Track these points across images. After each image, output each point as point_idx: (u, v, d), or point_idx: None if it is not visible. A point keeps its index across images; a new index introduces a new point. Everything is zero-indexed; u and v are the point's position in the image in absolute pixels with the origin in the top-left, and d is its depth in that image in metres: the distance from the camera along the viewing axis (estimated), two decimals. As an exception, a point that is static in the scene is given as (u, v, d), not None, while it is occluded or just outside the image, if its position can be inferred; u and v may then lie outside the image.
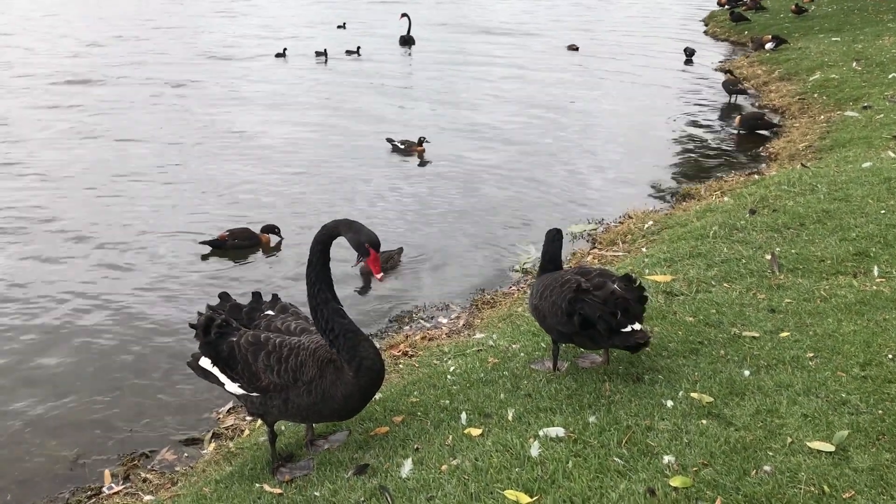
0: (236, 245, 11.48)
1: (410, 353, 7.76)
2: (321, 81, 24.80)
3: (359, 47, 29.69)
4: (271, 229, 11.78)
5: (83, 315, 9.59)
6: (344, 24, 37.82)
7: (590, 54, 30.69)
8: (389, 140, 16.56)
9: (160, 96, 21.90)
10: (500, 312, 8.47)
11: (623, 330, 5.36)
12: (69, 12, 42.34)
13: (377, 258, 5.00)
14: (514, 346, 6.83)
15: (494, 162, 15.88)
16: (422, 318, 9.26)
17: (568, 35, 34.84)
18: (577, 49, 31.38)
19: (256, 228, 11.75)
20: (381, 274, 5.07)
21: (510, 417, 5.40)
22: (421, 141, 16.29)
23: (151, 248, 11.54)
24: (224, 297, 5.65)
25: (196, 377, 7.59)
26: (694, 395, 5.31)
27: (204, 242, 11.41)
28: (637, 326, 5.40)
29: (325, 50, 29.04)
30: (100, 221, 12.45)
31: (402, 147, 16.31)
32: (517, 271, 10.52)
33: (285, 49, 29.04)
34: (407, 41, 32.81)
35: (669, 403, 5.24)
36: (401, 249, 11.04)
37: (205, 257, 11.40)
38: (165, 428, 7.30)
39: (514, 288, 9.88)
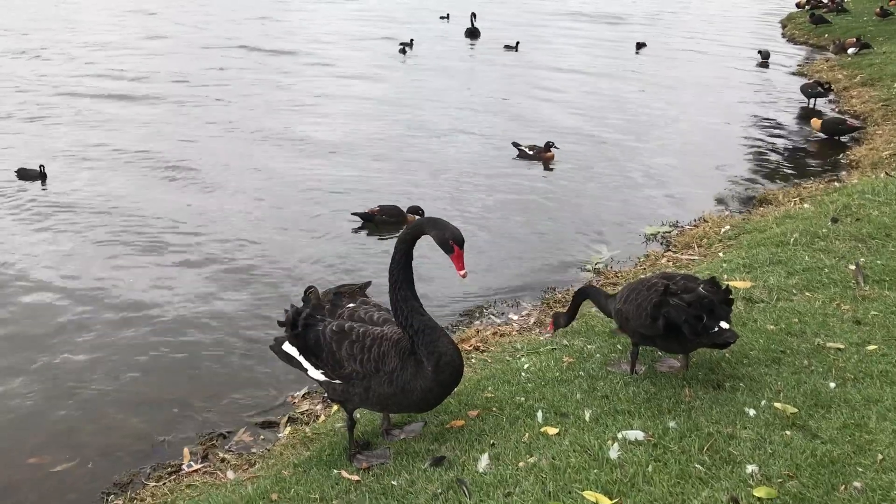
0: (384, 220, 12.18)
1: (482, 347, 7.78)
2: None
3: (412, 40, 29.68)
4: (416, 210, 12.30)
5: (167, 293, 9.95)
6: (447, 15, 38.45)
7: (659, 52, 30.28)
8: (516, 144, 16.09)
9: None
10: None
11: (711, 330, 5.31)
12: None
13: (461, 255, 5.04)
14: (589, 346, 6.80)
15: (565, 160, 15.78)
16: (492, 314, 9.27)
17: (637, 31, 34.44)
18: (644, 46, 31.01)
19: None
20: (464, 271, 5.09)
21: (587, 418, 5.39)
22: (549, 146, 15.75)
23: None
24: (309, 292, 5.76)
25: (272, 361, 7.87)
26: (777, 405, 5.22)
27: (355, 213, 12.24)
28: (725, 325, 5.34)
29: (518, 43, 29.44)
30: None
31: (531, 152, 15.76)
32: (588, 270, 10.45)
33: (517, 42, 29.56)
34: (472, 33, 33.57)
35: (752, 412, 5.17)
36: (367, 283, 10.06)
37: (356, 230, 12.24)
38: (241, 410, 7.47)
39: (585, 287, 9.81)
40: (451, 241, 4.99)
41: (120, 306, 9.56)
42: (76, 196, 13.40)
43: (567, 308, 6.80)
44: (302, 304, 5.60)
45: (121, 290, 10.01)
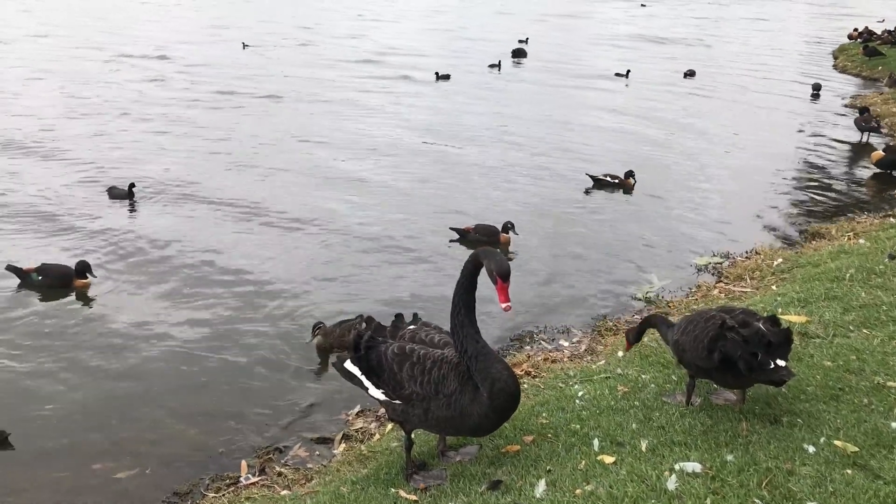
0: (477, 239, 12.51)
1: (533, 373, 7.84)
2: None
3: (444, 75, 29.98)
4: (508, 227, 12.57)
5: (228, 308, 10.25)
6: (527, 39, 39.43)
7: (708, 81, 30.20)
8: (592, 176, 16.14)
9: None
10: (624, 340, 8.43)
11: (767, 367, 5.31)
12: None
13: (503, 288, 5.05)
14: (643, 376, 6.82)
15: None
16: (542, 340, 9.33)
17: (685, 59, 34.41)
18: (693, 75, 30.95)
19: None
20: (506, 304, 5.10)
21: (644, 448, 5.41)
22: (629, 175, 15.83)
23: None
24: (369, 320, 5.90)
25: (327, 378, 8.03)
26: (837, 442, 5.20)
27: (453, 228, 12.71)
28: (781, 363, 5.34)
29: (629, 71, 30.03)
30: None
31: (613, 181, 15.84)
32: (639, 299, 10.46)
33: (628, 71, 30.07)
34: (519, 53, 34.81)
35: (811, 449, 5.15)
36: (360, 318, 9.42)
37: (451, 242, 12.71)
38: (297, 425, 7.63)
39: (637, 316, 9.83)
40: (495, 273, 5.05)
41: (183, 321, 9.85)
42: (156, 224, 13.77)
43: (636, 329, 6.87)
44: (364, 324, 5.73)
45: (183, 305, 10.31)
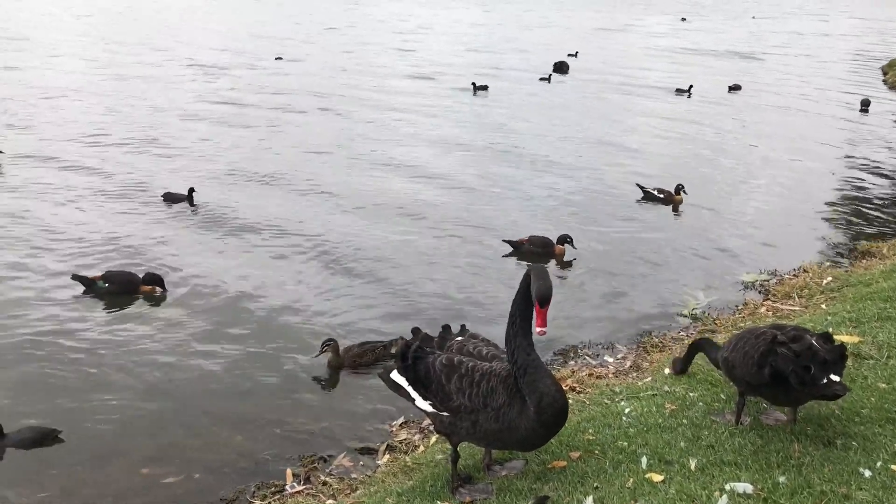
0: (531, 250, 12.49)
1: (578, 388, 7.79)
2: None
3: (482, 86, 29.93)
4: (564, 240, 12.56)
5: (278, 317, 10.35)
6: (576, 52, 40.00)
7: (754, 95, 29.88)
8: (641, 187, 15.99)
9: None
10: (670, 357, 8.33)
11: (820, 382, 5.21)
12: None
13: (540, 313, 5.02)
14: (691, 394, 6.74)
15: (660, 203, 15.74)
16: (587, 355, 9.26)
17: (731, 73, 34.11)
18: (738, 89, 30.63)
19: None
20: (541, 329, 5.05)
21: (693, 467, 5.35)
22: (679, 189, 15.55)
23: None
24: (416, 331, 5.90)
25: (371, 388, 8.06)
26: (894, 467, 5.09)
27: (506, 241, 12.64)
28: (835, 378, 5.24)
29: (691, 87, 29.87)
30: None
31: (661, 196, 15.60)
32: (685, 316, 10.34)
33: (690, 87, 29.79)
34: (560, 67, 34.90)
35: (867, 473, 5.05)
36: (394, 341, 9.31)
37: (505, 255, 12.63)
38: (341, 434, 7.66)
39: (683, 333, 9.73)
40: (535, 296, 5.02)
41: (233, 329, 9.97)
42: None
43: (683, 354, 6.83)
44: (412, 334, 5.74)
45: (234, 313, 10.44)
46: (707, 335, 8.55)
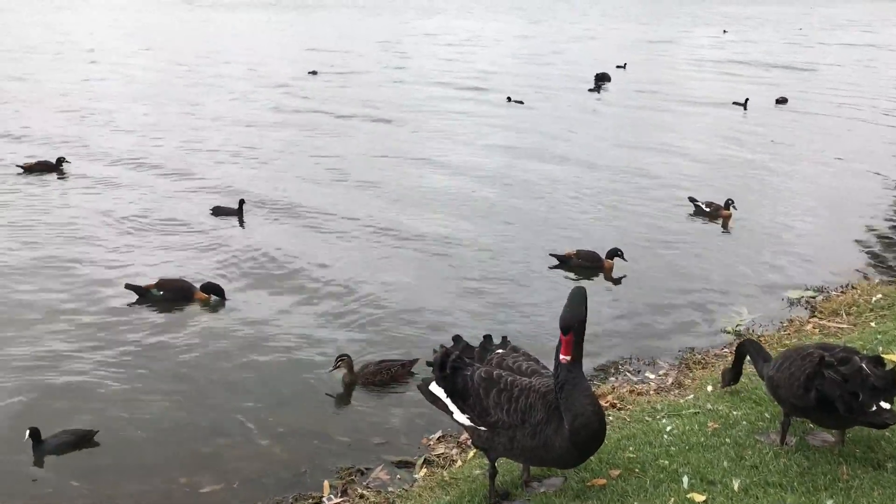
0: (580, 264, 12.36)
1: (619, 405, 7.68)
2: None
3: (517, 100, 29.81)
4: (614, 253, 12.39)
5: (317, 328, 10.42)
6: (624, 64, 40.35)
7: (803, 108, 29.41)
8: (692, 200, 15.78)
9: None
10: (713, 374, 8.20)
11: (868, 409, 5.06)
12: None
13: (563, 341, 4.92)
14: (734, 412, 6.60)
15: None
16: (628, 371, 9.15)
17: (780, 85, 33.66)
18: (785, 102, 30.17)
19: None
20: (563, 358, 4.94)
21: (736, 488, 5.23)
22: (728, 204, 15.23)
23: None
24: (457, 339, 5.86)
25: (409, 402, 8.04)
26: (947, 492, 4.92)
27: (553, 255, 12.55)
28: (885, 405, 5.08)
29: (747, 100, 29.43)
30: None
31: (709, 210, 15.34)
32: (728, 332, 10.15)
33: (747, 100, 29.48)
34: (601, 78, 34.77)
35: (919, 498, 4.88)
36: (413, 361, 9.18)
37: (551, 268, 12.53)
38: (378, 447, 7.66)
39: (726, 350, 9.55)
40: (560, 323, 4.94)
41: (274, 338, 10.05)
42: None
43: (732, 364, 6.67)
44: (453, 342, 5.70)
45: (277, 323, 10.51)
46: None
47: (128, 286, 11.10)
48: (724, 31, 73.65)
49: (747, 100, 29.33)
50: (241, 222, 14.72)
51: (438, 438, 7.69)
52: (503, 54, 49.41)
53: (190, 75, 35.34)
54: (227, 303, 11.11)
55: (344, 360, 8.84)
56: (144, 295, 11.00)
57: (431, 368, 5.70)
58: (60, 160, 17.99)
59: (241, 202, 14.94)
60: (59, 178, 17.56)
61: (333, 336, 10.17)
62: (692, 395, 7.50)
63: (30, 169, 17.69)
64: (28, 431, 7.47)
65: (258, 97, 29.90)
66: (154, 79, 34.15)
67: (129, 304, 10.99)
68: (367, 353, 9.61)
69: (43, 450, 7.54)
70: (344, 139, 22.53)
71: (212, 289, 11.08)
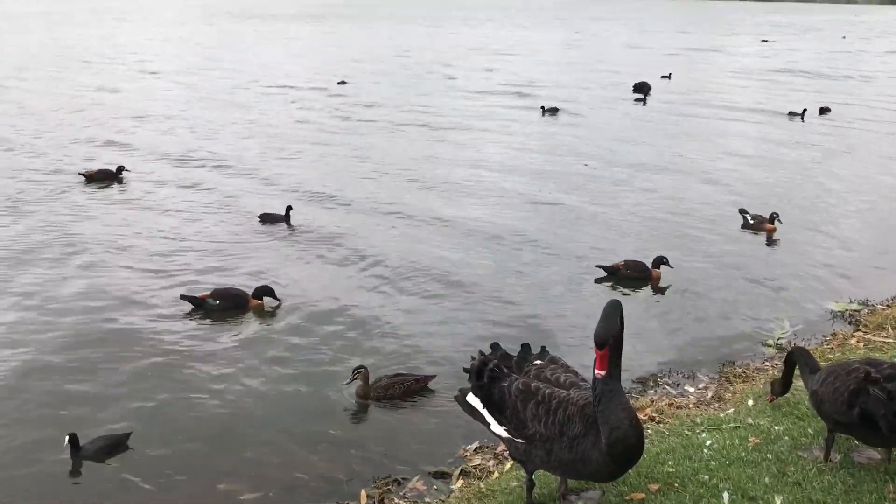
0: (628, 275, 12.25)
1: (657, 418, 7.60)
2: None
3: (551, 108, 29.64)
4: (660, 262, 12.32)
5: (367, 334, 10.50)
6: (669, 74, 40.29)
7: (845, 117, 28.96)
8: (742, 212, 15.52)
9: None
10: (754, 388, 8.08)
11: None
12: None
13: (598, 356, 4.89)
14: (776, 427, 6.50)
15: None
16: (667, 384, 9.04)
17: (821, 94, 33.18)
18: (828, 111, 29.69)
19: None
20: (598, 372, 4.91)
21: (778, 504, 5.15)
22: (773, 218, 14.94)
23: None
24: (495, 346, 5.85)
25: (447, 413, 8.04)
26: None
27: (600, 266, 12.42)
28: (934, 428, 4.96)
29: (805, 111, 29.09)
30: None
31: (753, 222, 15.11)
32: (769, 345, 9.99)
33: (804, 110, 29.17)
34: (641, 88, 34.65)
35: (969, 518, 4.76)
36: (427, 377, 9.10)
37: (597, 280, 12.40)
38: (415, 457, 7.64)
39: (767, 363, 9.40)
40: (595, 339, 4.91)
41: (312, 349, 10.09)
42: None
43: (782, 374, 6.57)
44: (490, 350, 5.70)
45: (320, 331, 10.57)
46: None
47: (183, 297, 11.21)
48: (764, 41, 72.85)
49: (805, 110, 28.86)
50: (289, 228, 14.82)
51: (475, 449, 7.66)
52: (545, 63, 49.47)
53: (240, 85, 35.99)
54: (277, 309, 11.21)
55: (361, 371, 8.75)
56: (200, 305, 11.08)
57: (468, 376, 5.70)
58: (120, 169, 18.41)
59: (288, 209, 15.09)
60: (118, 187, 17.95)
61: (373, 345, 10.19)
62: (732, 409, 7.41)
63: (91, 177, 18.10)
64: (67, 438, 7.57)
65: (305, 106, 30.40)
66: (207, 89, 34.92)
67: (186, 314, 11.05)
68: (406, 363, 9.62)
69: (81, 456, 7.62)
70: (388, 146, 22.79)
71: (264, 292, 11.18)
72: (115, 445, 7.77)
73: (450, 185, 18.45)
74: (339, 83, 35.96)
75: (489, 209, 16.44)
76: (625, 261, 12.47)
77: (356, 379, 8.72)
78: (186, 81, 37.24)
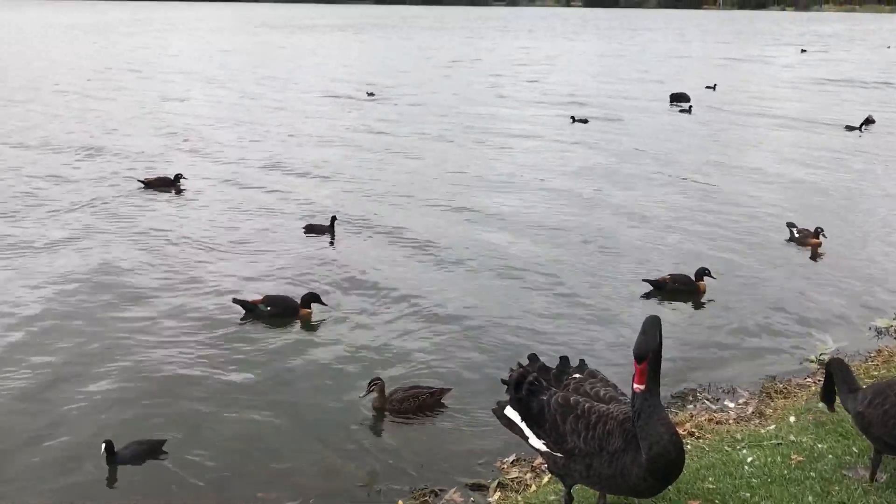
0: (676, 289, 12.17)
1: (696, 434, 7.52)
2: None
3: (581, 119, 29.43)
4: (703, 273, 12.27)
5: (400, 347, 10.50)
6: (714, 85, 39.96)
7: (890, 128, 28.43)
8: (790, 225, 15.27)
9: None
10: (796, 405, 7.96)
11: None
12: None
13: (637, 370, 4.88)
14: (819, 445, 6.40)
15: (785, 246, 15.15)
16: (706, 399, 8.93)
17: (864, 103, 32.67)
18: (872, 122, 29.16)
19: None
20: (637, 387, 4.88)
21: (822, 524, 5.07)
22: (818, 232, 14.67)
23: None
24: (533, 358, 5.84)
25: (483, 425, 8.03)
26: None
27: (647, 280, 12.31)
28: None
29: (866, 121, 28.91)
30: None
31: (798, 236, 14.85)
32: (812, 362, 9.81)
33: (865, 120, 28.89)
34: (679, 98, 34.47)
35: None
36: (443, 390, 9.01)
37: (645, 296, 12.28)
38: (452, 469, 7.64)
39: (809, 379, 9.25)
40: (634, 353, 4.89)
41: (351, 358, 10.14)
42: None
43: (823, 385, 6.42)
44: (528, 361, 5.69)
45: (356, 343, 10.60)
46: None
47: (235, 301, 11.37)
48: (803, 50, 71.91)
49: (865, 120, 28.39)
50: (333, 240, 14.97)
51: (512, 462, 7.63)
52: (587, 73, 49.51)
53: (279, 94, 36.58)
54: (325, 317, 11.30)
55: (377, 384, 8.71)
56: (252, 310, 11.23)
57: (506, 387, 5.71)
58: (178, 177, 18.82)
59: (333, 219, 15.23)
60: (175, 194, 18.31)
61: (413, 354, 10.21)
62: (774, 426, 7.30)
63: (149, 184, 18.54)
64: (104, 445, 7.64)
65: (343, 116, 30.77)
66: (257, 97, 35.72)
67: (241, 320, 11.20)
68: (438, 373, 9.64)
69: (117, 461, 7.69)
70: (427, 157, 22.89)
71: (311, 298, 11.29)
72: (151, 451, 7.85)
73: (494, 194, 18.46)
74: (368, 94, 36.21)
75: (510, 234, 16.30)
76: (671, 274, 12.37)
77: (372, 391, 8.68)
78: (237, 90, 38.04)
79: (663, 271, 12.80)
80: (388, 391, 8.79)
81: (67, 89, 36.46)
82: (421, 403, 8.74)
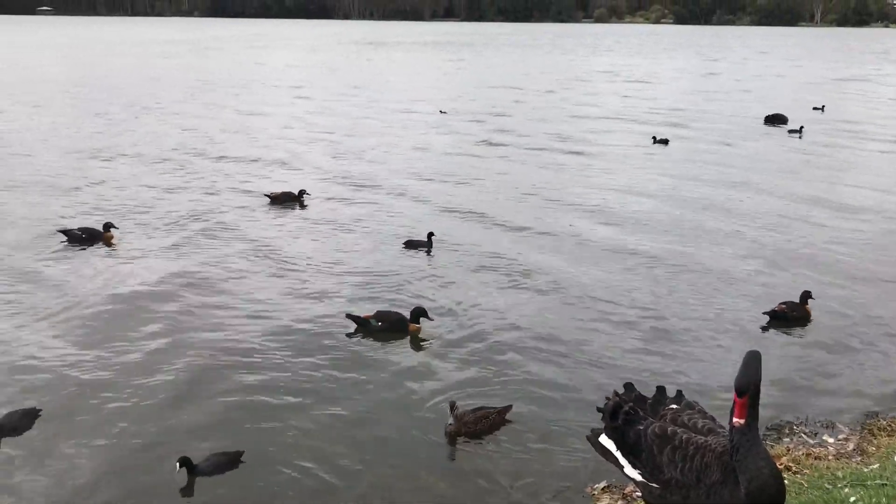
0: (794, 317, 11.84)
1: (794, 469, 7.35)
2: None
3: (662, 139, 28.75)
4: (807, 297, 12.05)
5: (503, 365, 10.51)
6: (822, 106, 38.89)
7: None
8: None
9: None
10: (901, 443, 7.70)
11: None
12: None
13: (737, 403, 4.86)
14: (928, 488, 6.18)
15: (847, 267, 14.66)
16: (803, 433, 8.67)
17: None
18: None
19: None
20: (736, 421, 4.87)
21: (931, 572, 4.90)
22: None
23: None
24: (629, 387, 5.86)
25: (571, 447, 8.03)
26: None
27: (767, 313, 11.89)
28: None
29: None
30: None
31: None
32: (921, 399, 9.44)
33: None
34: (775, 119, 33.68)
35: None
36: (507, 407, 9.02)
37: (764, 328, 11.85)
38: (539, 492, 7.58)
39: (916, 418, 8.90)
40: (735, 386, 4.86)
41: (444, 374, 10.23)
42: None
43: None
44: (624, 389, 5.69)
45: (449, 358, 10.69)
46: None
47: (348, 316, 11.60)
48: None
49: None
50: (429, 254, 15.17)
51: (603, 489, 7.58)
52: (683, 92, 48.90)
53: (381, 111, 37.33)
54: (433, 335, 11.40)
55: (456, 409, 8.60)
56: (364, 325, 11.44)
57: (601, 415, 5.73)
58: (302, 192, 19.38)
59: (430, 234, 15.44)
60: (299, 209, 18.82)
61: (494, 376, 10.17)
62: (878, 465, 7.09)
63: (275, 199, 19.14)
64: (178, 463, 7.67)
65: (448, 131, 31.30)
66: (354, 111, 36.83)
67: (351, 334, 11.41)
68: (534, 394, 9.62)
69: (196, 473, 7.76)
70: (516, 175, 22.95)
71: (419, 313, 11.44)
72: (230, 463, 7.96)
73: (588, 217, 18.30)
74: (440, 111, 36.47)
75: (603, 261, 16.17)
76: (785, 303, 11.99)
77: (455, 413, 8.56)
78: (335, 106, 38.95)
79: (772, 296, 12.48)
80: (454, 415, 8.63)
81: (174, 108, 37.73)
82: (492, 423, 8.71)
